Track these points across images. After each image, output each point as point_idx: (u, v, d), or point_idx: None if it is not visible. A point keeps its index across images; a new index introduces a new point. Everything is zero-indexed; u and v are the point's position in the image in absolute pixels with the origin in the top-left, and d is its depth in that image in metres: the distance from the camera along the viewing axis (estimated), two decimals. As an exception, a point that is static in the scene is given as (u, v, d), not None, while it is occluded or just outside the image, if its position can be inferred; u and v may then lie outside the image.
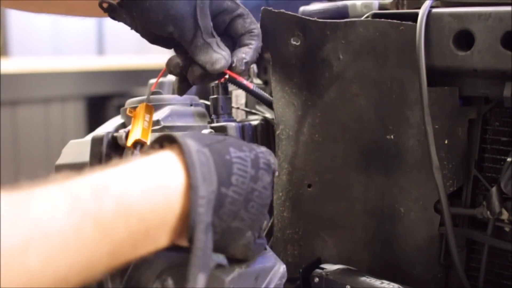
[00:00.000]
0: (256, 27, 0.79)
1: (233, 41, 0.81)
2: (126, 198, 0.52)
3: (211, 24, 0.76)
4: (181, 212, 0.55)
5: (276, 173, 0.67)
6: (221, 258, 0.69)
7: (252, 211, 0.61)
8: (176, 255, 0.71)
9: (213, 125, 0.84)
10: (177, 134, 0.58)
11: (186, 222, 0.55)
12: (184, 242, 0.57)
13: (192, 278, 0.54)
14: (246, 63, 0.77)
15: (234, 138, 0.64)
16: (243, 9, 0.78)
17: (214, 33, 0.76)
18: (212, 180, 0.57)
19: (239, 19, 0.77)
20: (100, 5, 0.77)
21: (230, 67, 0.77)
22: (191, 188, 0.55)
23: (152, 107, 0.80)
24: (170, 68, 0.81)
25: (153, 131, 0.80)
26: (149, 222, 0.53)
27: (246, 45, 0.78)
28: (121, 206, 0.51)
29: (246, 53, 0.77)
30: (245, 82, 0.83)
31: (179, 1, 0.74)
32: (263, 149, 0.65)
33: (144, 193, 0.53)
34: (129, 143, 0.74)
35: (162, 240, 0.56)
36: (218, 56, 0.76)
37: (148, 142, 0.75)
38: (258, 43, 0.79)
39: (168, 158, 0.57)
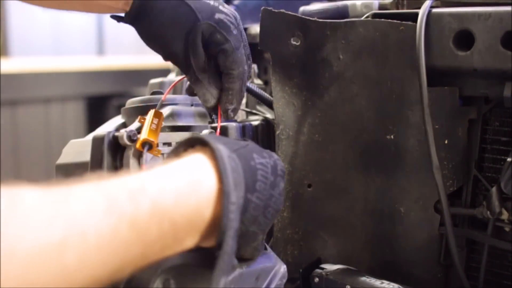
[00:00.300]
0: (236, 67, 0.75)
1: None
2: (161, 202, 0.52)
3: (204, 59, 0.76)
4: (212, 217, 0.56)
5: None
6: None
7: (268, 216, 0.62)
8: (177, 255, 0.71)
9: (213, 125, 0.84)
10: (208, 137, 0.59)
11: (215, 227, 0.56)
12: (208, 244, 0.58)
13: (215, 281, 0.55)
14: (233, 110, 0.78)
15: (254, 143, 0.65)
16: (230, 45, 0.75)
17: (208, 67, 0.77)
18: (241, 186, 0.58)
19: (222, 55, 0.75)
20: (112, 17, 0.79)
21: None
22: (223, 193, 0.55)
23: (162, 113, 0.80)
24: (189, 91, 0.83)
25: None
26: (179, 226, 0.54)
27: (228, 90, 0.77)
28: (156, 209, 0.52)
29: (230, 102, 0.77)
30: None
31: (174, 39, 0.75)
32: (275, 155, 0.66)
33: (178, 197, 0.54)
34: (138, 144, 0.74)
35: (188, 243, 0.57)
36: (208, 95, 0.77)
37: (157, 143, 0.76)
38: (239, 84, 0.76)
39: (200, 162, 0.57)
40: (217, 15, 0.74)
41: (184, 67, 0.77)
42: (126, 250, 0.50)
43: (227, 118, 0.78)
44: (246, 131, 0.88)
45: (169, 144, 0.78)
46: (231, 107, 0.77)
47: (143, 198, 0.51)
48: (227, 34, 0.74)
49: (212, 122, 0.86)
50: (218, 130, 0.78)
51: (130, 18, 0.76)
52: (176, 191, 0.54)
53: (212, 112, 0.80)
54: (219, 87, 0.77)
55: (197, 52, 0.75)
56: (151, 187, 0.53)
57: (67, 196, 0.48)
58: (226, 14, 0.75)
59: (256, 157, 0.62)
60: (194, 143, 0.60)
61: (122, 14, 0.78)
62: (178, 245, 0.56)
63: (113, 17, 0.78)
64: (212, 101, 0.77)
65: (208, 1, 0.75)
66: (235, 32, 0.75)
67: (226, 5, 0.76)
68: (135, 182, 0.53)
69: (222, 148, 0.58)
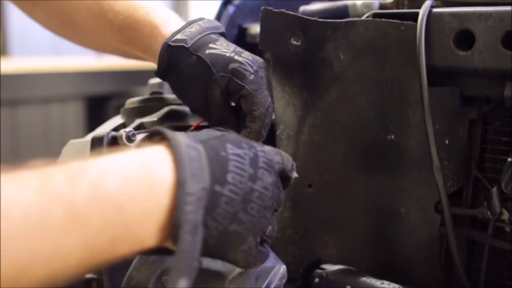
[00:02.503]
0: (257, 108, 0.77)
1: None
2: (103, 184, 0.49)
3: (223, 111, 0.79)
4: (169, 209, 0.52)
5: (295, 175, 0.66)
6: (219, 265, 0.68)
7: (252, 213, 0.58)
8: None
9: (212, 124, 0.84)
10: (168, 130, 0.56)
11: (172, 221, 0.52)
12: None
13: (172, 282, 0.51)
14: None
15: (234, 134, 0.61)
16: (247, 90, 0.77)
17: (227, 119, 0.80)
18: (203, 176, 0.53)
19: (242, 99, 0.78)
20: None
21: None
22: (178, 183, 0.51)
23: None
24: None
25: None
26: (129, 213, 0.50)
27: (247, 128, 0.78)
28: (97, 192, 0.48)
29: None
30: None
31: (195, 94, 0.79)
32: (267, 148, 0.63)
33: (124, 182, 0.50)
34: None
35: (147, 238, 0.52)
36: None
37: None
38: (258, 125, 0.78)
39: (156, 151, 0.54)
40: (231, 65, 0.77)
41: (207, 119, 0.81)
42: (60, 237, 0.46)
43: None
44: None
45: None
46: None
47: (82, 180, 0.47)
48: (241, 81, 0.77)
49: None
50: None
51: (160, 74, 0.81)
52: (122, 174, 0.50)
53: None
54: None
55: (215, 105, 0.79)
56: (93, 170, 0.49)
57: (2, 178, 0.44)
58: (240, 63, 0.77)
59: (230, 147, 0.58)
60: (154, 136, 0.57)
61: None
62: (135, 239, 0.51)
63: (154, 72, 0.83)
64: None
65: (224, 53, 0.78)
66: (251, 77, 0.77)
67: (244, 53, 0.79)
68: (76, 165, 0.49)
69: (180, 138, 0.54)
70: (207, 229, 0.55)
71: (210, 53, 0.78)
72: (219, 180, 0.55)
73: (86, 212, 0.47)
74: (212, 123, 0.80)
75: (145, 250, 0.54)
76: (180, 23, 0.84)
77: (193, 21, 0.82)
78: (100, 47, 1.01)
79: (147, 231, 0.52)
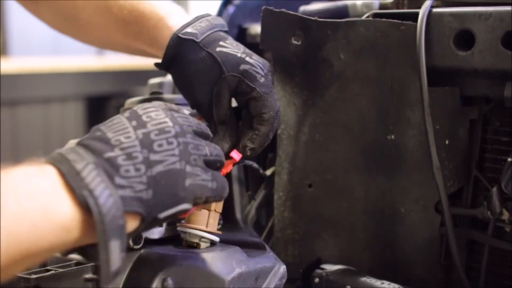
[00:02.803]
0: (267, 111, 0.77)
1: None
2: (10, 177, 0.52)
3: (226, 111, 0.79)
4: (71, 192, 0.54)
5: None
6: (219, 267, 0.69)
7: (164, 148, 0.59)
8: (176, 255, 0.71)
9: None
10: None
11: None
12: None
13: (102, 247, 0.53)
14: (251, 149, 0.77)
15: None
16: (258, 92, 0.77)
17: (229, 120, 0.79)
18: (84, 156, 0.56)
19: (252, 101, 0.77)
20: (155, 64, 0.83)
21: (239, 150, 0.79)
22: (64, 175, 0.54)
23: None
24: None
25: None
26: (41, 200, 0.52)
27: (255, 130, 0.78)
28: (6, 183, 0.51)
29: (252, 140, 0.78)
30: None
31: (200, 90, 0.78)
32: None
33: (27, 176, 0.53)
34: None
35: (69, 221, 0.54)
36: (219, 146, 0.77)
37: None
38: (267, 128, 0.77)
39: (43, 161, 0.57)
40: (242, 66, 0.77)
41: (207, 117, 0.80)
42: None
43: (243, 155, 0.78)
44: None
45: None
46: (251, 145, 0.77)
47: None
48: (252, 83, 0.76)
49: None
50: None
51: (164, 65, 0.80)
52: (23, 172, 0.54)
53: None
54: (234, 143, 0.79)
55: (220, 103, 0.78)
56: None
57: None
58: (251, 65, 0.77)
59: (102, 127, 0.60)
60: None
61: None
62: (55, 223, 0.53)
63: (155, 64, 0.83)
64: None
65: (235, 53, 0.78)
66: (262, 80, 0.77)
67: (254, 56, 0.78)
68: None
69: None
70: (126, 188, 0.56)
71: (220, 51, 0.78)
72: (104, 149, 0.57)
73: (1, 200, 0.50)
74: (213, 122, 0.80)
75: (74, 243, 0.55)
76: (185, 16, 0.84)
77: (202, 16, 0.81)
78: (105, 43, 1.01)
79: (66, 215, 0.53)
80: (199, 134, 0.64)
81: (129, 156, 0.57)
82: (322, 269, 0.83)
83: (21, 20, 3.16)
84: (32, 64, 3.09)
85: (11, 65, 3.00)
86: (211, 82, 0.78)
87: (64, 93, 3.18)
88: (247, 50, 0.79)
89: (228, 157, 0.78)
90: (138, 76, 3.20)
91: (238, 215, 0.87)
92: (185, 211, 0.61)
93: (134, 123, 0.60)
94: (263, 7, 0.86)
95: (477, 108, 0.81)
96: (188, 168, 0.60)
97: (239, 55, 0.78)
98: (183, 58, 0.79)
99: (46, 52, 3.38)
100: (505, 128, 0.80)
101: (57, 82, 3.12)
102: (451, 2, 0.81)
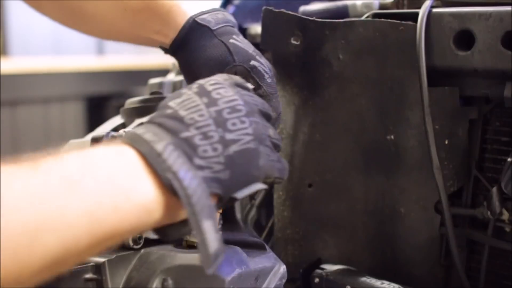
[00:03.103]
0: (271, 111, 0.75)
1: None
2: (89, 158, 0.52)
3: None
4: (153, 175, 0.53)
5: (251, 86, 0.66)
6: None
7: (238, 127, 0.59)
8: (176, 256, 0.71)
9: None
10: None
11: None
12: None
13: (196, 228, 0.52)
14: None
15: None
16: (265, 91, 0.77)
17: None
18: (162, 135, 0.55)
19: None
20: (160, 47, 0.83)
21: None
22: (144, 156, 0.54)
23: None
24: None
25: None
26: (123, 181, 0.52)
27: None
28: (86, 164, 0.51)
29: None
30: None
31: (208, 75, 0.75)
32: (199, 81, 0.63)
33: (105, 157, 0.53)
34: None
35: (150, 202, 0.53)
36: None
37: None
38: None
39: (121, 141, 0.56)
40: (253, 62, 0.77)
41: None
42: (63, 204, 0.48)
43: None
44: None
45: None
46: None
47: (70, 158, 0.51)
48: (260, 80, 0.77)
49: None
50: None
51: (173, 48, 0.80)
52: (102, 152, 0.53)
53: None
54: None
55: None
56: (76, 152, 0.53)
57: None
58: (261, 63, 0.77)
59: (172, 102, 0.59)
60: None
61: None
62: (137, 205, 0.52)
63: (161, 47, 0.82)
64: None
65: (246, 49, 0.78)
66: (269, 80, 0.77)
67: (263, 57, 0.79)
68: (60, 153, 0.53)
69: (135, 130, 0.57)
70: (205, 169, 0.56)
71: (233, 43, 0.78)
72: (180, 128, 0.56)
73: (80, 180, 0.50)
74: None
75: (154, 224, 0.55)
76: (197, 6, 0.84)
77: (218, 9, 0.82)
78: (108, 33, 0.99)
79: (147, 197, 0.53)
80: (263, 114, 0.64)
81: (206, 136, 0.56)
82: (322, 269, 0.83)
83: (21, 20, 3.16)
84: (32, 64, 3.09)
85: (11, 65, 3.00)
86: (221, 69, 0.77)
87: (64, 93, 3.18)
88: (257, 51, 0.80)
89: None
90: (138, 76, 3.20)
91: (238, 215, 0.87)
92: (259, 191, 0.61)
93: (205, 100, 0.59)
94: (264, 8, 0.86)
95: (477, 108, 0.81)
96: (261, 148, 0.60)
97: (250, 51, 0.78)
98: (195, 42, 0.79)
99: (46, 52, 3.38)
100: (505, 128, 0.80)
101: (57, 82, 3.13)
102: (451, 2, 0.81)
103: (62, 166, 0.50)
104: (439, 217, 0.83)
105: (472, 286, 0.81)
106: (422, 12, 0.78)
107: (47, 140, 3.11)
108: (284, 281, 0.75)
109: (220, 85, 0.62)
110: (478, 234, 0.82)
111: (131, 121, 0.89)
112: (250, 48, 0.79)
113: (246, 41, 0.80)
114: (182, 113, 0.58)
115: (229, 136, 0.58)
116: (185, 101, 0.59)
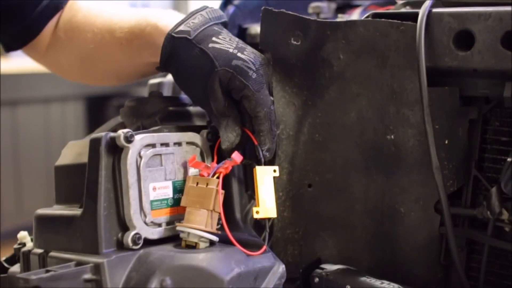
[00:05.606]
0: (261, 109, 0.79)
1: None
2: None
3: (223, 104, 0.80)
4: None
5: None
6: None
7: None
8: (175, 255, 0.71)
9: (212, 124, 0.84)
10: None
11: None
12: None
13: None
14: (267, 150, 0.81)
15: None
16: (250, 90, 0.78)
17: (228, 111, 0.80)
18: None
19: (244, 100, 0.79)
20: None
21: (260, 161, 0.81)
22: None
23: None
24: None
25: (151, 131, 0.79)
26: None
27: (259, 132, 0.80)
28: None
29: (263, 143, 0.81)
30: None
31: (196, 86, 0.81)
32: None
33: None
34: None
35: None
36: (224, 138, 0.81)
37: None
38: (267, 124, 0.80)
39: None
40: (234, 62, 0.78)
41: (208, 111, 0.83)
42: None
43: (265, 159, 0.81)
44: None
45: (166, 144, 0.78)
46: (265, 147, 0.81)
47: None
48: (244, 79, 0.78)
49: (210, 122, 0.86)
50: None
51: (162, 66, 0.84)
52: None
53: (228, 154, 0.81)
54: (239, 132, 0.81)
55: (215, 97, 0.79)
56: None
57: None
58: (243, 60, 0.78)
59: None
60: None
61: None
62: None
63: (156, 68, 0.87)
64: (225, 144, 0.81)
65: (227, 49, 0.79)
66: (254, 76, 0.78)
67: (246, 50, 0.80)
68: None
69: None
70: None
71: (213, 47, 0.79)
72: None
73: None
74: (214, 116, 0.81)
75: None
76: (177, 15, 0.86)
77: (196, 11, 0.83)
78: (117, 76, 1.02)
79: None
80: None
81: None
82: (322, 268, 0.83)
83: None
84: (32, 64, 3.09)
85: (11, 65, 3.00)
86: (205, 77, 0.79)
87: (64, 93, 3.19)
88: (240, 44, 0.80)
89: (236, 149, 0.80)
90: (138, 76, 3.19)
91: (238, 214, 0.87)
92: None
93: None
94: (263, 8, 0.86)
95: (477, 108, 0.81)
96: None
97: (231, 50, 0.79)
98: (178, 56, 0.80)
99: (46, 52, 3.37)
100: (505, 128, 0.80)
101: (57, 82, 3.12)
102: (450, 2, 0.81)
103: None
104: (438, 217, 0.83)
105: (471, 286, 0.81)
106: (422, 12, 0.78)
107: (47, 140, 3.11)
108: (283, 280, 0.75)
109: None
110: (478, 234, 0.82)
111: (131, 121, 0.89)
112: (231, 45, 0.80)
113: (228, 37, 0.81)
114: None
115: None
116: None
